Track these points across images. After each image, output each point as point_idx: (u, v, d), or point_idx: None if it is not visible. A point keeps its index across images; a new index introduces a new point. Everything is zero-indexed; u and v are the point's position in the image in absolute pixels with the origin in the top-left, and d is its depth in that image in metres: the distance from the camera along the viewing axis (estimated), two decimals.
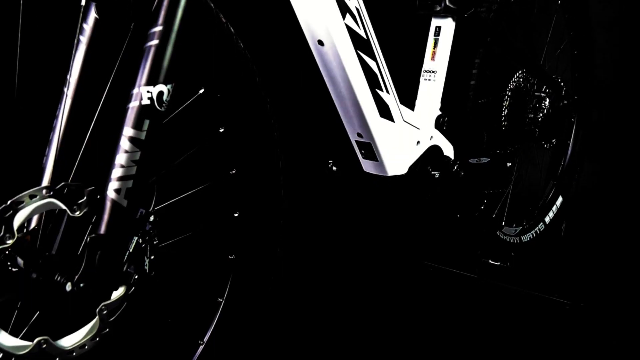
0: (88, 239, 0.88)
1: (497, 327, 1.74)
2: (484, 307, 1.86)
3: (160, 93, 0.91)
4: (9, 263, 0.87)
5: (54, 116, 1.03)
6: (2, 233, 0.83)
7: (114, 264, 0.91)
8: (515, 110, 1.84)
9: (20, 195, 0.85)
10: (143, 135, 0.91)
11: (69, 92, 1.02)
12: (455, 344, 1.64)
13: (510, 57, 1.78)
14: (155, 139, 0.92)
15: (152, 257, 0.99)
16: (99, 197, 0.91)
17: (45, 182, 0.95)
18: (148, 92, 0.90)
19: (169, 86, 0.92)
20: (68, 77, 1.03)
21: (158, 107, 0.91)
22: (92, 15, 1.01)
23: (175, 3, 0.92)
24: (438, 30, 1.57)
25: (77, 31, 0.98)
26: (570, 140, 2.24)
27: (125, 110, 0.91)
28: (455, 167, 1.56)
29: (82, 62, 1.03)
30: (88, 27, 1.01)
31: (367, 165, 1.48)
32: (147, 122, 0.90)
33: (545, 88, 1.91)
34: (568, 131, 2.22)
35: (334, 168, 1.56)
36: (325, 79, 1.35)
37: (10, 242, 0.84)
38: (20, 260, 0.89)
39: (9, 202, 0.84)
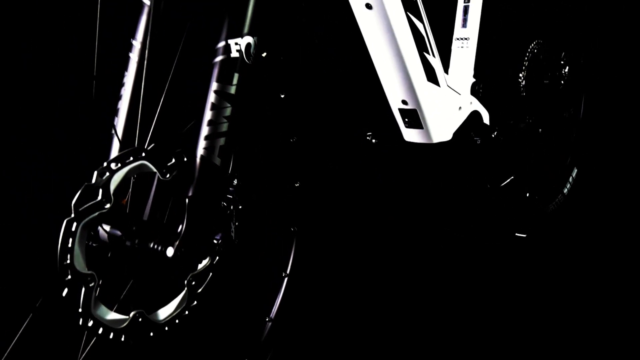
0: (186, 201, 0.83)
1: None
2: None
3: (248, 45, 0.87)
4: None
5: (121, 81, 0.98)
6: (100, 197, 0.78)
7: (210, 229, 0.87)
8: (542, 79, 1.85)
9: (114, 157, 0.80)
10: (233, 90, 0.86)
11: (135, 56, 0.97)
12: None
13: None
14: (244, 94, 0.88)
15: (237, 224, 0.95)
16: (189, 158, 0.86)
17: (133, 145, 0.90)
18: (236, 44, 0.86)
19: (255, 38, 0.88)
20: (132, 41, 0.98)
21: (247, 60, 0.87)
22: None
23: None
24: None
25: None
26: (581, 111, 2.26)
27: (212, 65, 0.87)
28: (495, 133, 1.55)
29: (145, 24, 0.98)
30: None
31: (410, 134, 1.46)
32: (236, 76, 0.86)
33: (563, 55, 1.93)
34: (578, 102, 2.25)
35: (373, 140, 1.53)
36: (370, 45, 1.32)
37: (108, 206, 0.79)
38: (111, 229, 0.84)
39: (104, 164, 0.79)
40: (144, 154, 0.83)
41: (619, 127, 2.54)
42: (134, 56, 0.99)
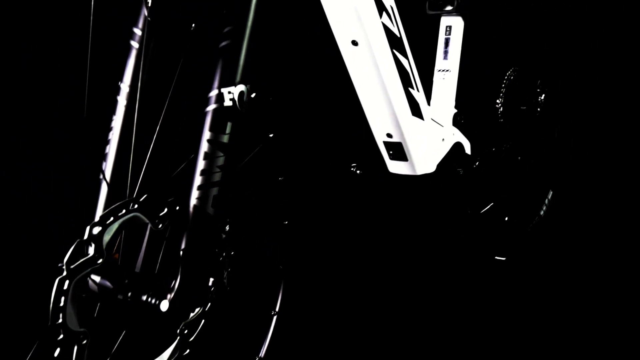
0: (180, 254, 0.82)
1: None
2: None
3: (242, 93, 0.87)
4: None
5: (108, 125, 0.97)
6: (92, 253, 0.76)
7: (204, 279, 0.86)
8: (519, 105, 1.88)
9: (107, 210, 0.79)
10: (226, 139, 0.86)
11: (123, 100, 0.96)
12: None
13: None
14: (238, 142, 0.87)
15: (230, 270, 0.94)
16: (182, 207, 0.85)
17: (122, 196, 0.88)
18: (230, 92, 0.86)
19: (248, 86, 0.88)
20: (120, 84, 0.97)
21: (240, 108, 0.86)
22: (143, 16, 0.95)
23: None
24: (449, 29, 1.59)
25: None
26: (555, 133, 2.31)
27: (204, 113, 0.86)
28: (477, 163, 1.57)
29: (134, 67, 0.97)
30: (138, 30, 0.96)
31: (395, 166, 1.46)
32: (229, 125, 0.86)
33: (539, 83, 1.97)
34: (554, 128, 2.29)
35: (358, 171, 1.54)
36: (355, 79, 1.33)
37: (100, 261, 0.77)
38: (103, 281, 0.82)
39: (97, 218, 0.77)
40: (136, 206, 0.82)
41: (592, 150, 2.59)
42: (121, 99, 0.98)
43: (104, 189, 0.95)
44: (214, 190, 0.86)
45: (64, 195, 1.13)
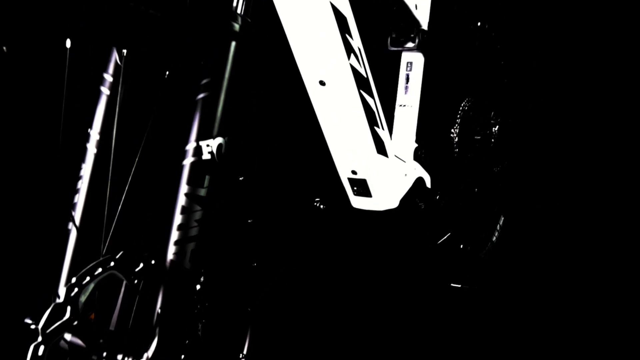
0: (158, 311, 0.80)
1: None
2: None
3: (220, 146, 0.86)
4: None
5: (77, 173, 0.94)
6: (68, 315, 0.74)
7: (181, 335, 0.84)
8: (476, 138, 1.93)
9: (83, 270, 0.77)
10: (204, 192, 0.85)
11: (93, 148, 0.94)
12: None
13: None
14: (215, 195, 0.86)
15: (204, 321, 0.93)
16: (157, 262, 0.84)
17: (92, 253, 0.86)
18: (208, 145, 0.85)
19: (226, 138, 0.87)
20: (89, 131, 0.95)
21: (218, 161, 0.86)
22: (114, 61, 0.94)
23: (225, 52, 0.88)
24: (410, 65, 1.62)
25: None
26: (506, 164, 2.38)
27: (181, 167, 0.85)
28: (437, 197, 1.60)
29: (104, 114, 0.95)
30: (109, 76, 0.94)
31: (358, 202, 1.48)
32: (207, 178, 0.85)
33: (493, 114, 2.03)
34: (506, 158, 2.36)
35: (321, 206, 1.54)
36: (321, 118, 1.34)
37: (76, 323, 0.75)
38: (75, 340, 0.80)
39: (73, 279, 0.75)
40: (112, 263, 0.79)
41: (542, 176, 2.68)
42: (91, 147, 0.95)
43: (72, 238, 0.93)
44: (192, 245, 0.84)
45: (32, 244, 1.10)
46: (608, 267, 2.21)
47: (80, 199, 0.93)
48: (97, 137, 0.95)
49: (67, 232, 0.93)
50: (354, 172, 1.41)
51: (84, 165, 0.94)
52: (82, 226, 0.92)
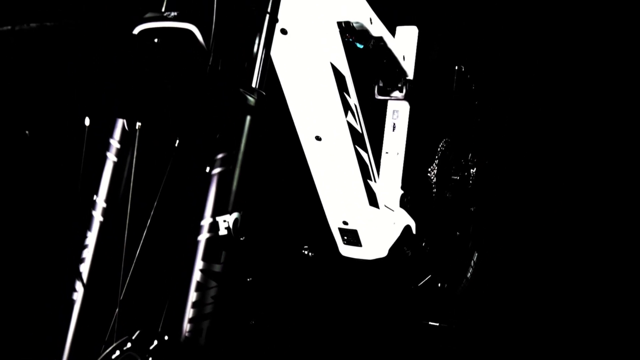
0: None
1: None
2: None
3: (236, 221, 0.85)
4: None
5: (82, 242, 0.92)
6: None
7: None
8: (451, 175, 1.97)
9: (103, 355, 0.75)
10: (219, 268, 0.84)
11: (99, 215, 0.92)
12: None
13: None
14: (231, 271, 0.86)
15: None
16: (171, 338, 0.82)
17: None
18: (225, 221, 0.84)
19: (241, 212, 0.87)
20: (95, 197, 0.93)
21: (235, 236, 0.85)
22: (121, 127, 0.93)
23: (241, 126, 0.88)
24: (396, 113, 1.65)
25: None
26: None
27: (195, 243, 0.84)
28: (423, 244, 1.62)
29: (110, 181, 0.94)
30: (116, 142, 0.93)
31: (348, 250, 1.49)
32: (224, 254, 0.84)
33: (470, 156, 2.07)
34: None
35: (310, 254, 1.55)
36: (315, 171, 1.35)
37: None
38: None
39: None
40: (129, 344, 0.78)
41: (510, 213, 2.74)
42: (97, 215, 0.94)
43: (76, 310, 0.91)
44: (207, 323, 0.83)
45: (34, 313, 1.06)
46: (578, 299, 2.28)
47: (84, 270, 0.91)
48: (104, 204, 0.93)
49: (72, 304, 0.90)
50: (345, 223, 1.42)
51: (89, 234, 0.92)
52: (84, 299, 0.90)
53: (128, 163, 0.93)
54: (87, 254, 0.92)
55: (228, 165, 0.86)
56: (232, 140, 0.87)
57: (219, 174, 0.86)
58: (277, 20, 0.93)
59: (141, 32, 0.90)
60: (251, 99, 0.87)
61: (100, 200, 0.93)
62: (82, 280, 0.90)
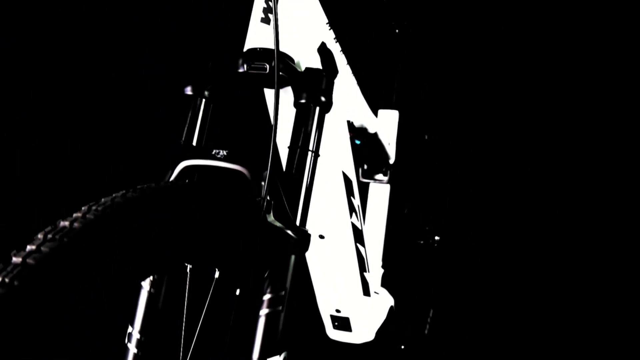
0: None
1: None
2: None
3: None
4: None
5: None
6: None
7: None
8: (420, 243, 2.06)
9: None
10: None
11: (133, 348, 0.92)
12: None
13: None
14: None
15: None
16: None
17: None
18: None
19: (287, 351, 0.89)
20: (131, 330, 0.92)
21: None
22: None
23: (286, 266, 0.90)
24: (377, 195, 1.70)
25: None
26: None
27: None
28: (404, 322, 1.68)
29: (144, 312, 0.93)
30: None
31: (337, 334, 1.52)
32: None
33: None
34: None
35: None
36: (313, 266, 1.38)
37: None
38: None
39: None
40: None
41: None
42: (132, 347, 0.93)
43: None
44: None
45: None
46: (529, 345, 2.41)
47: None
48: (138, 336, 0.92)
49: None
50: (337, 311, 1.46)
51: None
52: None
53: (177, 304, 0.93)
54: None
55: (276, 306, 0.88)
56: (279, 281, 0.88)
57: (267, 315, 0.87)
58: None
59: (184, 169, 0.91)
60: (294, 237, 0.90)
61: (135, 332, 0.92)
62: None
